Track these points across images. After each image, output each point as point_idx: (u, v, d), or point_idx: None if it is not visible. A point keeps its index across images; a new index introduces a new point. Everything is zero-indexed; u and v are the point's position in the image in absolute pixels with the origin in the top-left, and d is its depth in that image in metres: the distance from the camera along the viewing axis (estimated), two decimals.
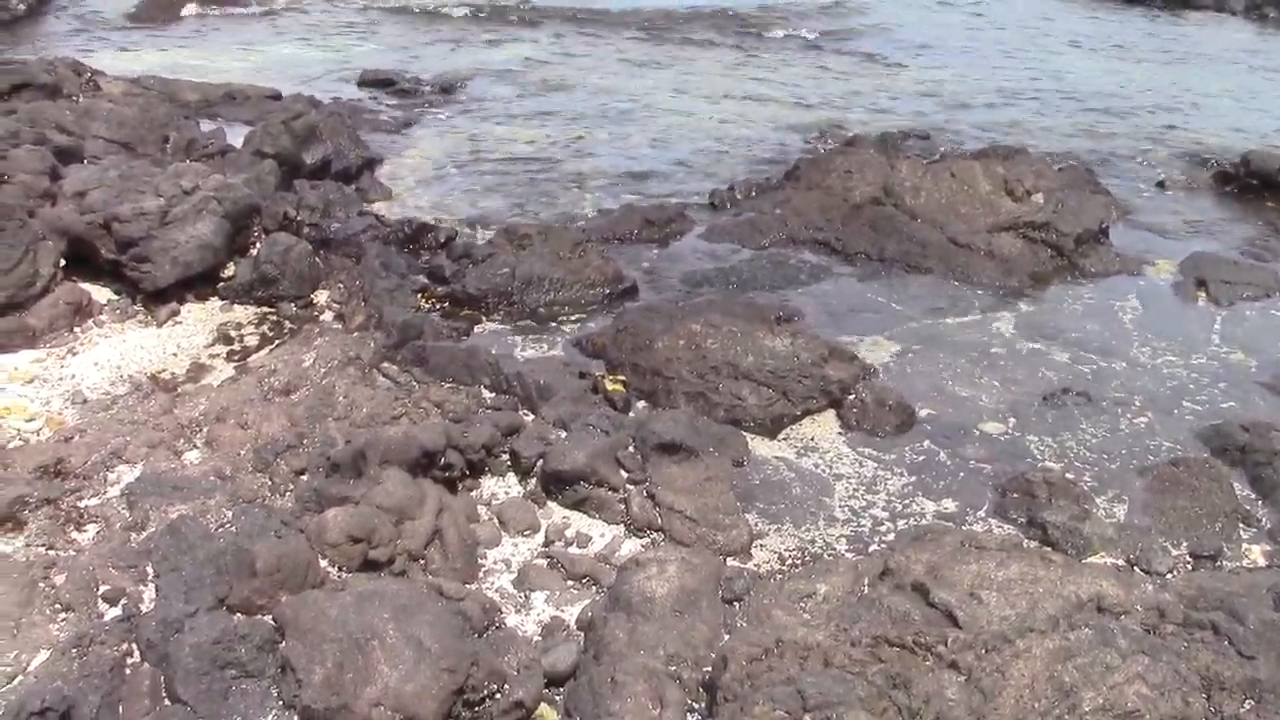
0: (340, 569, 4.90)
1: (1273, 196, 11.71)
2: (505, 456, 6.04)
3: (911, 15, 23.84)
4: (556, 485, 5.79)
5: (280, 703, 4.19)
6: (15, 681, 4.21)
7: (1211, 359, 7.90)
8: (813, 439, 6.71)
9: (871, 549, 5.55)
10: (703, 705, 4.29)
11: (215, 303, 7.73)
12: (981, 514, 6.01)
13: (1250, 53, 21.17)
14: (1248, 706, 4.06)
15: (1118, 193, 11.55)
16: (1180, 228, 10.89)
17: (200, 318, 7.53)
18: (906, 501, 6.09)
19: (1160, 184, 12.18)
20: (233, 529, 5.12)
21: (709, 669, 4.36)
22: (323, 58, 17.65)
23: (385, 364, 6.96)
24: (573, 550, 5.45)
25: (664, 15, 22.03)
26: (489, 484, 5.93)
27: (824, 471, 6.35)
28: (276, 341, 7.32)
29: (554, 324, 8.11)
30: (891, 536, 5.69)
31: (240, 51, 17.75)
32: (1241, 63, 20.22)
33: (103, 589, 4.76)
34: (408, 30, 20.43)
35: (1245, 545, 5.79)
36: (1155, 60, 20.09)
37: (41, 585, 4.74)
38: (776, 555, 5.55)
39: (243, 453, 5.88)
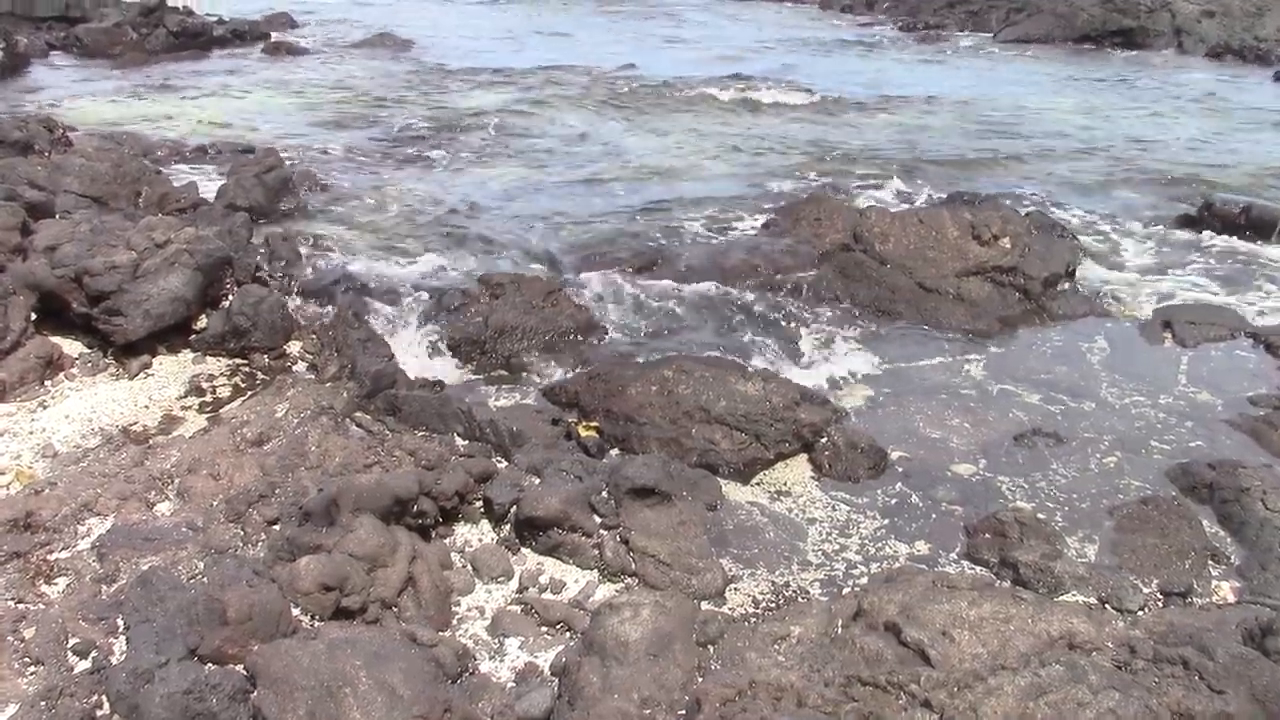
0: (313, 617, 4.88)
1: (1236, 239, 11.89)
2: (478, 503, 6.03)
3: (882, 65, 24.17)
4: (530, 531, 5.79)
5: None
6: None
7: (1179, 399, 7.99)
8: (786, 483, 6.74)
9: (845, 591, 5.57)
10: None
11: (187, 355, 7.71)
12: (954, 555, 6.04)
13: (1211, 95, 21.53)
14: None
15: (1085, 236, 11.71)
16: (1146, 270, 11.04)
17: (172, 370, 7.51)
18: (879, 544, 6.11)
19: (1127, 227, 12.35)
20: (204, 579, 5.09)
21: (683, 712, 4.36)
22: (296, 104, 17.77)
23: (358, 413, 6.95)
24: (547, 596, 5.45)
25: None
26: (462, 531, 5.92)
27: (797, 515, 6.37)
28: (249, 392, 7.31)
29: (526, 371, 8.14)
30: (864, 579, 5.71)
31: (214, 100, 17.87)
32: (1203, 104, 20.57)
33: (73, 642, 4.72)
34: (381, 76, 20.63)
35: (1215, 582, 5.83)
36: (1121, 105, 20.42)
37: (10, 639, 4.70)
38: (750, 598, 5.56)
39: (215, 503, 5.85)
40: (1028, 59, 26.06)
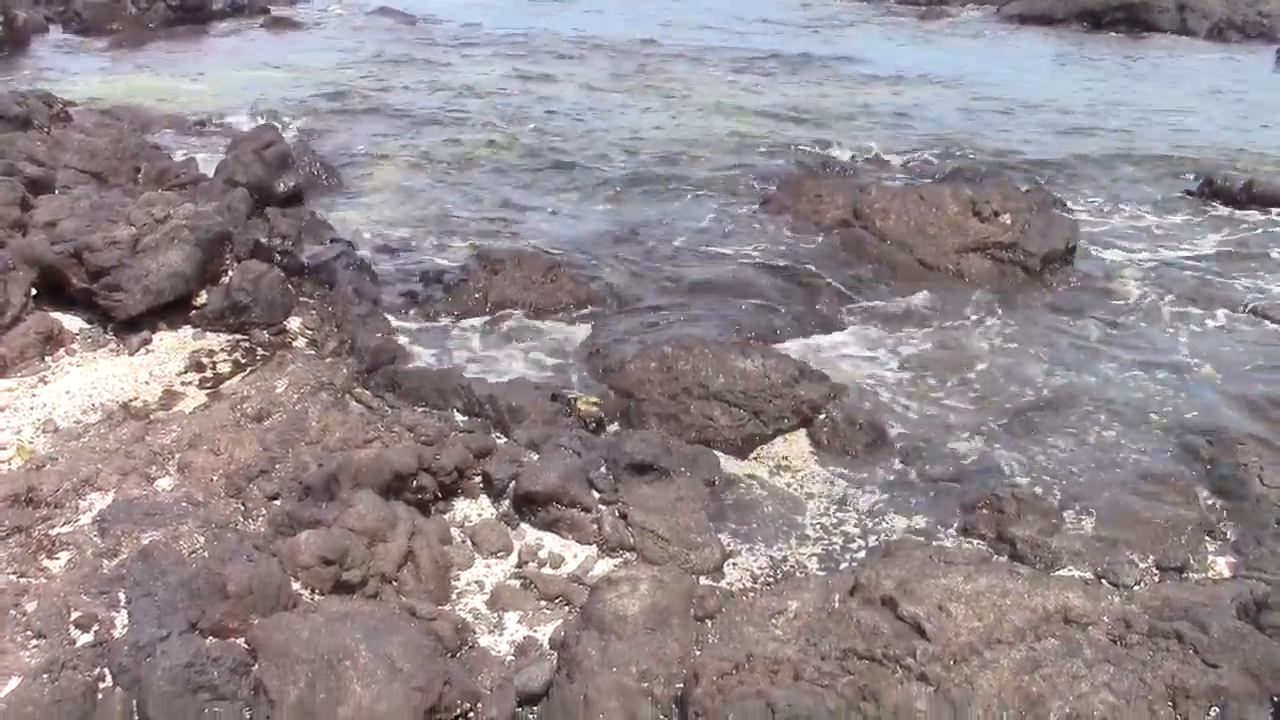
0: (313, 591, 4.90)
1: (1236, 215, 11.87)
2: (478, 479, 6.05)
3: (881, 42, 24.08)
4: (529, 506, 5.81)
5: None
6: None
7: (1177, 374, 8.00)
8: (784, 458, 6.76)
9: (842, 566, 5.60)
10: None
11: (187, 330, 7.72)
12: (951, 530, 6.06)
13: (1213, 73, 21.45)
14: (1213, 714, 4.10)
15: (1085, 211, 11.69)
16: (1146, 245, 11.03)
17: (172, 345, 7.52)
18: (877, 519, 6.14)
19: (1127, 203, 12.33)
20: (205, 553, 5.11)
21: (680, 685, 4.38)
22: (295, 79, 17.73)
23: (358, 389, 6.97)
24: (545, 571, 5.47)
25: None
26: (461, 506, 5.94)
27: (795, 490, 6.39)
28: (249, 368, 7.32)
29: (526, 347, 8.14)
30: (862, 553, 5.73)
31: (213, 75, 17.82)
32: (1205, 83, 20.49)
33: (75, 615, 4.74)
34: (382, 50, 20.61)
35: (1210, 557, 5.86)
36: (1122, 82, 20.34)
37: (13, 613, 4.72)
38: (748, 573, 5.59)
39: (215, 479, 5.87)
40: (1029, 35, 25.97)
